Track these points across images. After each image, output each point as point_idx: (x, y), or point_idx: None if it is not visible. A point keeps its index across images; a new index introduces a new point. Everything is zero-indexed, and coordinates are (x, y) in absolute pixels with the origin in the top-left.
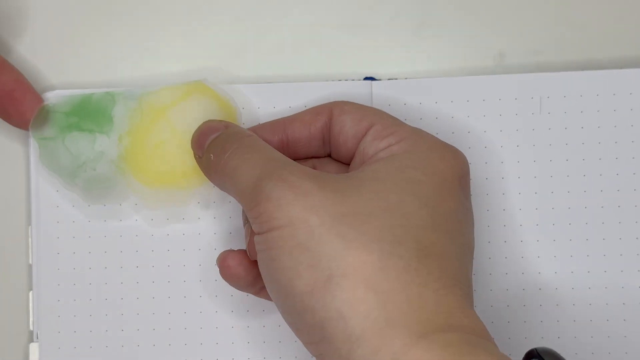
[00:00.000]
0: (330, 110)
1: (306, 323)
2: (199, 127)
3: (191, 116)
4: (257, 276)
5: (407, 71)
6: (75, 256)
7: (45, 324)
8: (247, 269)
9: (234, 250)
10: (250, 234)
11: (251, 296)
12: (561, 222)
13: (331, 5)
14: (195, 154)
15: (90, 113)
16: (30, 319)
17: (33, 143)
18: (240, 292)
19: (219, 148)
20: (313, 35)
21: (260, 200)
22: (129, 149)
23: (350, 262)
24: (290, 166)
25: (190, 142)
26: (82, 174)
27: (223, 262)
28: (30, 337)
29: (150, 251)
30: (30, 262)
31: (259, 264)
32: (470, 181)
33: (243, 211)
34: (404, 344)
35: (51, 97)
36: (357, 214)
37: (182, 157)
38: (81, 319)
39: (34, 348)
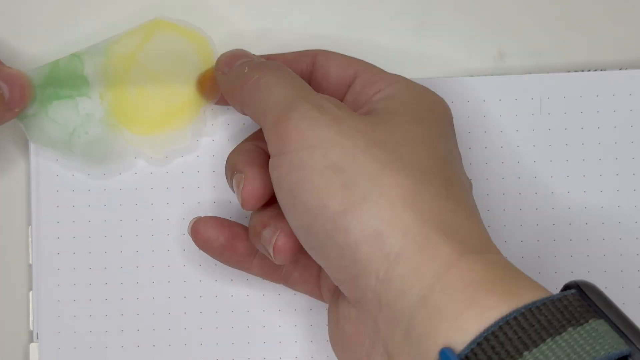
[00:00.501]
0: (314, 56)
1: (337, 245)
2: (230, 51)
3: (161, 54)
4: (230, 238)
5: (407, 71)
6: (75, 256)
7: (45, 324)
8: (217, 230)
9: (201, 217)
10: (257, 167)
11: (252, 296)
12: (561, 222)
13: (331, 5)
14: (217, 71)
15: (63, 79)
16: (30, 319)
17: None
18: (240, 292)
19: (252, 66)
20: (313, 35)
21: (291, 117)
22: (114, 104)
23: (386, 182)
24: (321, 94)
25: (165, 71)
26: (76, 140)
27: (193, 229)
28: (31, 337)
29: (151, 251)
30: (30, 262)
31: (277, 188)
32: (472, 181)
33: (227, 168)
34: (445, 262)
35: None
36: (387, 141)
37: (167, 98)
38: (81, 319)
39: (34, 348)
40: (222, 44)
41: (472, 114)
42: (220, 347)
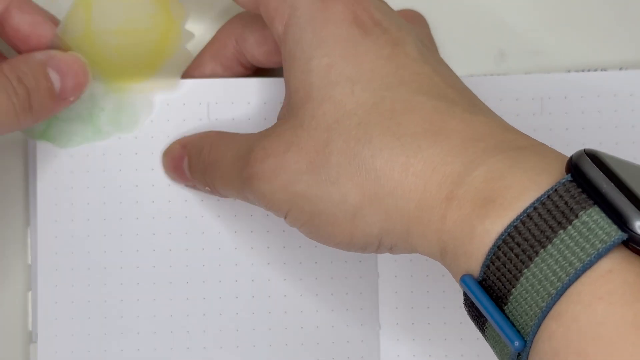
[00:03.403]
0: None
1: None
2: (164, 165)
3: (112, 9)
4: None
5: None
6: (74, 256)
7: (42, 326)
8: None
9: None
10: None
11: (257, 298)
12: None
13: None
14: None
15: None
16: (29, 320)
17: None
18: (244, 294)
19: (203, 175)
20: None
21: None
22: (106, 72)
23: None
24: (264, 138)
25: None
26: (98, 121)
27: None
28: (29, 338)
29: (152, 251)
30: (29, 262)
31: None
32: None
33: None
34: (437, 220)
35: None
36: (321, 143)
37: (149, 33)
38: (79, 321)
39: (33, 349)
40: None
41: None
42: (224, 350)
